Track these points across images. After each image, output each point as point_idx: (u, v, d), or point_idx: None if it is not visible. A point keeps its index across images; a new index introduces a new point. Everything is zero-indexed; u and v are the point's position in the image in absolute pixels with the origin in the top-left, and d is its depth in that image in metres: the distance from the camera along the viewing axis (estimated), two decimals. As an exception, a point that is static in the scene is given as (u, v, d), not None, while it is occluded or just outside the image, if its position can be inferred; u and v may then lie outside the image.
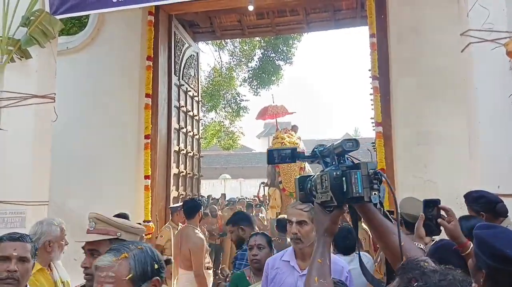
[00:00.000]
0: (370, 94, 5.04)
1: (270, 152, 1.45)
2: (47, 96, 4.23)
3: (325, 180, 1.26)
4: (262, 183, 10.88)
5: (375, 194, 1.17)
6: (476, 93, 3.10)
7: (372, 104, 4.95)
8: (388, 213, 1.34)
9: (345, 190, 1.20)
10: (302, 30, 7.77)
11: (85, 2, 4.12)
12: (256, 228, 4.14)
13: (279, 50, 14.46)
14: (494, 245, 1.30)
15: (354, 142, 1.26)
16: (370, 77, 4.99)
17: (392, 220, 1.33)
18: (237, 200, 12.97)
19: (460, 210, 4.12)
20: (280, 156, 1.44)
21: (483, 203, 2.62)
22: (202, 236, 4.46)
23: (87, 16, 5.95)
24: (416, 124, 4.53)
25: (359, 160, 1.26)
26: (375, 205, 1.23)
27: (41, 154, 4.19)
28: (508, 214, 2.67)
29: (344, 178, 1.20)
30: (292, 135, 7.56)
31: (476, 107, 3.11)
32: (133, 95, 5.43)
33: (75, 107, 5.44)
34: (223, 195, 15.75)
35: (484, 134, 3.03)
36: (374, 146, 5.25)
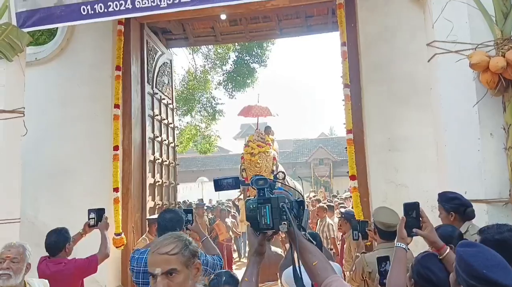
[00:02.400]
0: (342, 100, 5.13)
1: (215, 181, 1.72)
2: (16, 111, 4.13)
3: (247, 211, 1.52)
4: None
5: (284, 223, 1.42)
6: (441, 102, 3.22)
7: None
8: (309, 236, 1.55)
9: (258, 220, 1.46)
10: (275, 36, 7.84)
11: (53, 15, 4.04)
12: None
13: (254, 53, 14.50)
14: (472, 265, 1.39)
15: (264, 181, 1.52)
16: (342, 84, 5.07)
17: (313, 242, 1.54)
18: (212, 206, 12.94)
19: (431, 213, 4.26)
20: (225, 184, 1.71)
21: (456, 204, 2.77)
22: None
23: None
24: (386, 130, 4.65)
25: (273, 194, 1.51)
26: (303, 229, 1.49)
27: (11, 170, 4.08)
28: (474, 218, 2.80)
29: (258, 211, 1.47)
30: (263, 143, 7.55)
31: (441, 115, 3.23)
32: (105, 105, 5.34)
33: (46, 119, 5.32)
34: (201, 200, 15.66)
35: (450, 142, 3.15)
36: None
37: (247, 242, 10.19)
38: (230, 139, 44.19)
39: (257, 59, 14.78)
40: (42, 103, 5.30)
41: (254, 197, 1.52)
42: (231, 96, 15.39)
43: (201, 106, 15.74)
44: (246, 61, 14.85)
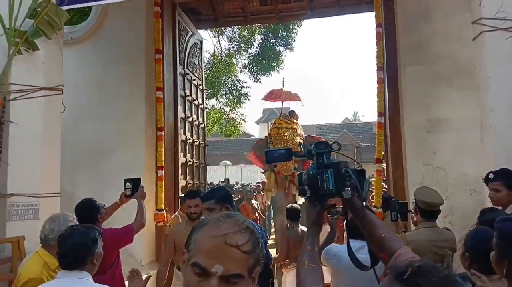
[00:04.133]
0: (377, 83, 5.03)
1: (267, 153, 1.65)
2: (55, 88, 4.22)
3: (305, 178, 1.45)
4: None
5: (347, 189, 1.34)
6: (489, 82, 3.11)
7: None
8: (369, 207, 1.49)
9: (319, 186, 1.38)
10: (306, 16, 7.69)
11: (92, -8, 4.08)
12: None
13: (279, 36, 14.36)
14: None
15: (325, 145, 1.45)
16: (376, 65, 4.96)
17: (374, 212, 1.46)
18: (238, 188, 13.06)
19: (470, 196, 4.20)
20: (277, 156, 1.64)
21: None
22: (174, 224, 3.88)
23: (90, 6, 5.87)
24: (425, 112, 4.54)
25: (335, 159, 1.45)
26: (363, 199, 1.39)
27: (51, 145, 4.20)
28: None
29: (318, 176, 1.38)
30: (291, 122, 7.61)
31: (488, 95, 3.13)
32: (140, 85, 5.40)
33: (81, 99, 5.42)
34: (227, 180, 15.82)
35: (496, 122, 3.05)
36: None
37: (272, 223, 10.32)
38: (252, 123, 44.26)
39: (283, 42, 14.64)
40: (78, 82, 5.39)
41: (312, 164, 1.45)
42: (256, 80, 15.34)
43: (226, 90, 15.78)
44: (271, 44, 14.73)
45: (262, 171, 9.08)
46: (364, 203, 1.40)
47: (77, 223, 2.77)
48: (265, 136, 8.58)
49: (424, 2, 4.75)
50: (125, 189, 3.64)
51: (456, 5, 4.26)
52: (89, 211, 3.20)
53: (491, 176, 2.75)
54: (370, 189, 5.30)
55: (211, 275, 0.91)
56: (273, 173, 8.10)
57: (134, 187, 3.61)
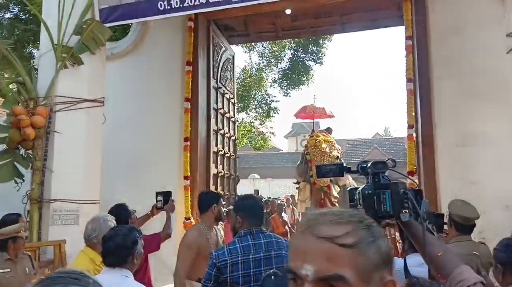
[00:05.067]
0: (406, 95, 5.03)
1: (318, 167, 1.62)
2: (97, 100, 4.47)
3: (359, 198, 1.39)
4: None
5: (405, 212, 1.28)
6: (524, 95, 3.08)
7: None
8: (430, 227, 1.42)
9: (376, 207, 1.32)
10: (337, 31, 7.78)
11: (133, 10, 4.33)
12: None
13: (309, 50, 14.47)
14: None
15: (383, 165, 1.39)
16: (405, 78, 4.97)
17: (435, 233, 1.42)
18: (268, 200, 13.06)
19: (506, 211, 4.09)
20: (328, 171, 1.60)
21: None
22: (200, 235, 3.30)
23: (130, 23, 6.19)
24: (458, 126, 4.49)
25: (392, 180, 1.38)
26: (416, 219, 1.32)
27: (93, 154, 4.43)
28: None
29: (375, 197, 1.33)
30: (327, 135, 7.65)
31: (524, 109, 3.09)
32: (175, 98, 5.64)
33: (121, 111, 5.68)
34: (256, 191, 15.87)
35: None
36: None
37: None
38: (281, 137, 44.32)
39: (313, 57, 14.72)
40: (119, 95, 5.66)
41: (367, 184, 1.40)
42: (285, 94, 15.46)
43: (256, 104, 15.97)
44: (301, 59, 14.84)
45: (295, 181, 9.09)
46: (422, 224, 1.32)
47: (116, 223, 2.94)
48: (304, 147, 8.62)
49: (456, 15, 4.73)
50: (156, 201, 3.80)
51: (489, 18, 4.23)
52: (120, 214, 3.35)
53: None
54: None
55: (302, 279, 0.73)
56: (308, 183, 8.12)
57: (165, 199, 3.77)
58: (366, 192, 1.35)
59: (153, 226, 3.85)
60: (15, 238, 3.17)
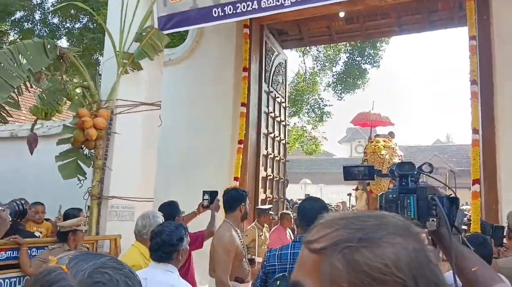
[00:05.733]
0: (470, 99, 4.76)
1: (346, 169, 1.47)
2: (154, 103, 4.69)
3: (383, 202, 1.26)
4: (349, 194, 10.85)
5: (432, 220, 1.14)
6: None
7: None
8: (465, 239, 1.27)
9: (398, 213, 1.17)
10: (394, 33, 7.56)
11: (189, 17, 4.50)
12: None
13: (366, 53, 14.14)
14: None
15: (409, 166, 1.27)
16: (469, 81, 4.71)
17: (470, 247, 1.24)
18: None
19: None
20: (356, 173, 1.46)
21: None
22: (235, 235, 3.25)
23: (186, 30, 6.44)
24: (523, 132, 4.19)
25: (423, 183, 1.25)
26: (451, 229, 1.16)
27: (148, 155, 4.66)
28: None
29: (398, 201, 1.20)
30: (389, 140, 7.38)
31: None
32: (228, 103, 5.79)
33: (175, 114, 5.93)
34: (307, 196, 15.75)
35: None
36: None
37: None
38: (335, 143, 43.56)
39: (369, 60, 14.37)
40: (174, 99, 5.91)
41: (394, 186, 1.27)
42: (339, 98, 15.21)
43: (309, 108, 15.86)
44: (357, 62, 14.54)
45: (354, 188, 8.88)
46: (449, 234, 1.17)
47: (162, 219, 3.06)
48: (363, 153, 8.40)
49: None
50: (203, 200, 3.89)
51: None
52: (170, 210, 3.49)
53: None
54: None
55: None
56: (365, 192, 7.90)
57: (211, 198, 3.85)
58: (390, 195, 1.22)
59: (200, 225, 3.95)
60: (75, 231, 3.42)
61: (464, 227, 4.47)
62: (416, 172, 1.28)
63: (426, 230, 1.17)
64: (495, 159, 4.33)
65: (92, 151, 4.38)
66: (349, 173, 1.46)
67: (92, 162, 4.35)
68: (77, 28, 11.13)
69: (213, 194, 3.89)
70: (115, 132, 4.40)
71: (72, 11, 10.82)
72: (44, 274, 0.69)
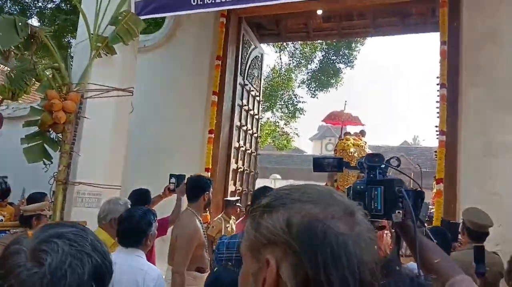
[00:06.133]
0: (437, 102, 4.96)
1: (315, 160, 1.46)
2: (127, 89, 4.61)
3: (350, 193, 1.26)
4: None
5: (398, 212, 1.14)
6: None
7: (438, 113, 4.86)
8: (428, 232, 1.29)
9: (366, 205, 1.18)
10: (369, 34, 7.73)
11: (167, 4, 4.44)
12: None
13: (341, 53, 14.38)
14: None
15: (379, 158, 1.28)
16: (438, 84, 4.90)
17: (433, 240, 1.26)
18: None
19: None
20: (326, 164, 1.45)
21: None
22: (199, 226, 3.22)
23: (163, 17, 6.35)
24: (484, 135, 4.39)
25: (391, 176, 1.27)
26: (416, 221, 1.18)
27: (118, 142, 4.58)
28: None
29: (366, 193, 1.20)
30: (359, 139, 7.54)
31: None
32: (201, 92, 5.76)
33: (148, 101, 5.84)
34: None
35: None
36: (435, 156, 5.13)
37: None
38: (306, 140, 44.08)
39: (343, 60, 14.63)
40: (148, 86, 5.83)
41: (362, 178, 1.27)
42: (313, 95, 15.41)
43: (283, 103, 15.99)
44: (332, 61, 14.77)
45: (324, 184, 9.00)
46: (415, 226, 1.19)
47: (127, 205, 2.99)
48: (334, 151, 8.52)
49: (491, 23, 4.63)
50: (169, 183, 3.82)
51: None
52: (142, 197, 3.51)
53: None
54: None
55: None
56: (332, 187, 8.04)
57: (178, 182, 3.77)
58: (358, 187, 1.23)
59: (165, 210, 3.92)
60: (39, 215, 3.34)
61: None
62: (384, 165, 1.29)
63: (391, 221, 1.19)
64: (456, 161, 4.53)
65: (59, 134, 4.27)
66: (319, 164, 1.46)
67: (60, 146, 4.24)
68: (49, 8, 10.74)
69: (180, 178, 3.81)
70: (85, 117, 4.30)
71: (44, -11, 10.45)
72: (14, 237, 0.73)
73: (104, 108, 4.42)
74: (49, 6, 10.95)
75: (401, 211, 1.16)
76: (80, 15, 4.54)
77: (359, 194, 1.22)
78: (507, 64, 4.44)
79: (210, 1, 4.21)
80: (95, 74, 4.40)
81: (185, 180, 3.67)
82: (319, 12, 6.34)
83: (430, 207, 4.92)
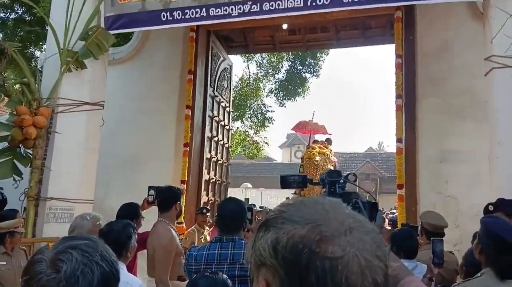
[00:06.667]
0: (395, 111, 5.27)
1: (282, 178, 1.60)
2: (98, 103, 4.65)
3: None
4: (287, 198, 11.22)
5: None
6: (497, 115, 3.31)
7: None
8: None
9: None
10: (332, 46, 8.08)
11: (137, 19, 4.53)
12: None
13: (307, 63, 14.77)
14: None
15: (337, 173, 1.43)
16: (395, 95, 5.22)
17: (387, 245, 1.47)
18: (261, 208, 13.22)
19: (480, 225, 4.30)
20: (291, 181, 1.60)
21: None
22: (175, 234, 3.33)
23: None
24: (439, 143, 4.73)
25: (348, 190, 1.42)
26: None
27: (90, 156, 4.59)
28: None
29: None
30: (324, 147, 7.82)
31: (496, 128, 3.32)
32: (172, 104, 5.85)
33: (119, 114, 5.87)
34: (247, 200, 16.03)
35: (503, 154, 3.23)
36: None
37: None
38: (276, 148, 44.52)
39: (309, 69, 15.03)
40: (117, 99, 5.85)
41: (325, 192, 1.42)
42: (281, 105, 15.72)
43: (252, 113, 16.20)
44: (298, 71, 15.14)
45: (293, 192, 9.16)
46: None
47: (97, 222, 3.00)
48: (301, 158, 8.71)
49: (443, 37, 5.01)
50: (148, 195, 3.73)
51: (473, 41, 4.48)
52: (129, 212, 3.39)
53: (491, 208, 2.87)
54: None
55: None
56: (299, 196, 8.24)
57: (157, 194, 3.67)
58: None
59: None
60: (13, 233, 3.32)
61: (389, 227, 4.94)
62: (342, 180, 1.43)
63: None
64: (415, 166, 4.84)
65: (30, 150, 4.25)
66: (285, 182, 1.62)
67: (30, 162, 4.22)
68: (11, 19, 10.50)
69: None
70: (56, 132, 4.31)
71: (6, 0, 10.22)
72: (41, 247, 0.88)
73: (75, 123, 4.43)
74: (11, 17, 10.71)
75: None
76: (49, 30, 4.55)
77: None
78: (458, 75, 4.81)
79: (179, 17, 4.34)
80: (65, 88, 4.42)
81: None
82: (284, 26, 6.60)
83: (394, 211, 5.20)
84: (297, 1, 3.89)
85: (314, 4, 3.83)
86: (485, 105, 3.65)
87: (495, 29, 3.43)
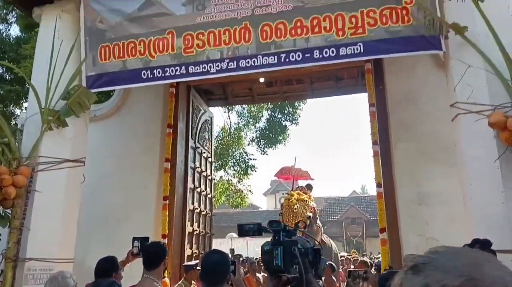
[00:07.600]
0: (372, 156, 5.45)
1: (239, 227, 1.74)
2: (78, 160, 4.66)
3: (262, 252, 1.55)
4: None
5: (294, 267, 1.43)
6: (465, 158, 3.48)
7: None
8: (324, 284, 1.63)
9: (270, 262, 1.48)
10: (307, 96, 8.41)
11: (118, 78, 4.68)
12: None
13: (285, 111, 15.19)
14: None
15: (276, 224, 1.57)
16: (371, 141, 5.42)
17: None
18: (246, 259, 12.94)
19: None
20: (248, 230, 1.72)
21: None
22: None
23: (114, 87, 6.55)
24: (415, 186, 4.88)
25: (288, 238, 1.55)
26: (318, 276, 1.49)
27: (70, 214, 4.53)
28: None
29: (270, 252, 1.49)
30: (303, 193, 7.86)
31: (466, 170, 3.48)
32: (154, 159, 5.90)
33: (100, 169, 5.87)
34: (232, 250, 15.68)
35: (475, 195, 3.37)
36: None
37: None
38: (260, 195, 44.28)
39: (289, 117, 15.45)
40: (99, 154, 5.87)
41: (271, 241, 1.55)
42: (263, 153, 15.93)
43: (234, 162, 16.30)
44: (278, 119, 15.53)
45: None
46: (302, 279, 1.44)
47: (73, 279, 2.92)
48: (281, 205, 8.72)
49: (409, 86, 5.32)
50: (133, 247, 3.64)
51: (438, 88, 4.76)
52: (109, 266, 3.29)
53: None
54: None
55: None
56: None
57: (142, 245, 3.61)
58: (265, 247, 1.52)
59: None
60: (-11, 296, 3.20)
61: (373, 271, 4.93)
62: (287, 228, 1.58)
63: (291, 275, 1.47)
64: (396, 210, 4.94)
65: (9, 210, 4.18)
66: (241, 230, 1.74)
67: (9, 222, 4.14)
68: (-8, 79, 10.62)
69: (144, 241, 3.66)
70: (36, 190, 4.27)
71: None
72: None
73: (55, 180, 4.41)
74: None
75: (297, 267, 1.44)
76: (30, 89, 4.64)
77: (266, 254, 1.51)
78: (428, 121, 5.06)
79: (159, 75, 4.51)
80: (46, 146, 4.43)
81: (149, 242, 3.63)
82: (262, 79, 6.88)
83: (377, 256, 5.22)
84: (271, 58, 4.13)
85: (287, 60, 4.07)
86: (453, 149, 3.83)
87: (456, 78, 3.67)
